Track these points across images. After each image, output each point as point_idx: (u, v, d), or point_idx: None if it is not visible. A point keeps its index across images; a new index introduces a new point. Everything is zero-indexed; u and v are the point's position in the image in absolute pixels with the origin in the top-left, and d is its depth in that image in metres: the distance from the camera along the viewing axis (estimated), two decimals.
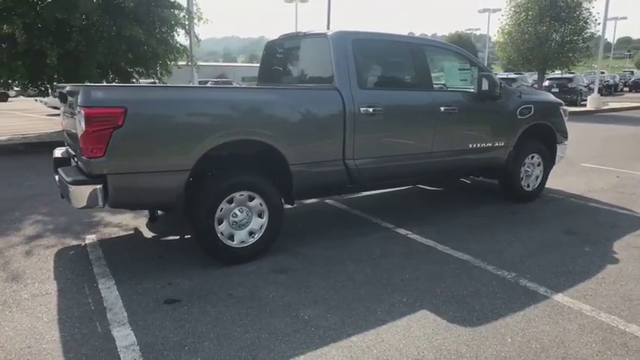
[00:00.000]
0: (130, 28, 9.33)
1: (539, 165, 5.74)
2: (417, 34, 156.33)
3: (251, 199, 3.73)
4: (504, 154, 5.31)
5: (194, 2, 12.60)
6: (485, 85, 4.85)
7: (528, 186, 5.72)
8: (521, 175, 5.60)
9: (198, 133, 3.40)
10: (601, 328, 2.83)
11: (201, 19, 12.32)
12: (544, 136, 5.75)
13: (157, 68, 11.50)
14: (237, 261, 3.72)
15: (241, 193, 3.67)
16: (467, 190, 6.57)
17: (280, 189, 3.95)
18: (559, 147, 5.90)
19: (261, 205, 3.77)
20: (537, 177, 5.77)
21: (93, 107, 3.06)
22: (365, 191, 5.98)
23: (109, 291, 3.29)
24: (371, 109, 4.18)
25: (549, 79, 23.48)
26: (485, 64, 34.27)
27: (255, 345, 2.64)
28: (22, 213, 5.13)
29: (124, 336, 2.71)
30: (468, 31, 62.36)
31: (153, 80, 12.56)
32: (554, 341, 2.69)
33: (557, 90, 22.78)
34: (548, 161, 5.80)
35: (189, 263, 3.74)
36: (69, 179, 3.23)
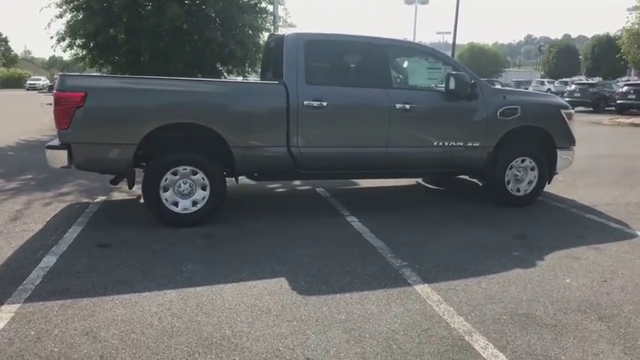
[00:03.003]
0: (211, 31, 10.67)
1: (532, 169, 5.46)
2: (574, 36, 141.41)
3: (194, 173, 4.43)
4: (481, 154, 5.20)
5: (283, 7, 13.65)
6: (452, 84, 4.87)
7: (519, 190, 5.48)
8: (508, 179, 5.40)
9: (144, 115, 4.21)
10: (424, 315, 2.94)
11: (286, 22, 13.31)
12: (540, 140, 5.46)
13: (246, 66, 12.78)
14: (180, 224, 4.43)
15: (184, 167, 4.39)
16: (471, 191, 6.43)
17: (226, 167, 4.59)
18: (561, 152, 5.51)
19: (203, 179, 4.44)
20: (531, 182, 5.49)
21: (61, 91, 4.04)
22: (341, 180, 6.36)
23: (72, 233, 4.26)
24: (315, 103, 4.57)
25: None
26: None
27: (125, 280, 3.33)
28: (74, 177, 6.48)
29: (47, 261, 3.61)
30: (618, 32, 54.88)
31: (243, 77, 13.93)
32: (362, 316, 2.91)
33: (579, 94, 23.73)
34: (545, 166, 5.47)
35: (146, 222, 4.55)
36: (46, 145, 4.29)
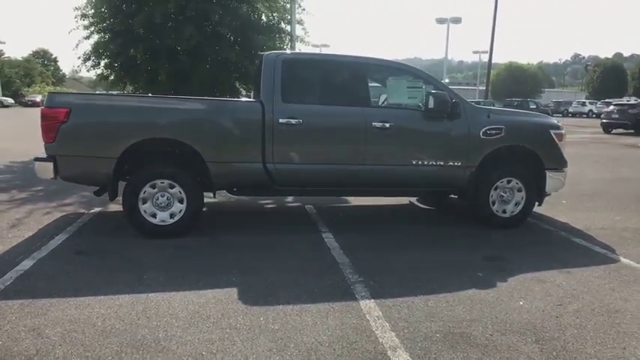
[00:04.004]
0: (226, 51, 11.09)
1: (519, 191, 5.37)
2: (626, 54, 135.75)
3: (172, 186, 4.64)
4: (463, 174, 5.18)
5: (302, 27, 14.00)
6: (431, 103, 4.91)
7: (505, 212, 5.39)
8: (493, 199, 5.33)
9: (122, 131, 4.48)
10: (356, 329, 2.98)
11: (303, 41, 13.62)
12: (528, 161, 5.37)
13: None
14: (157, 236, 4.64)
15: (162, 181, 4.61)
16: (462, 212, 6.35)
17: (205, 181, 4.78)
18: (551, 173, 5.39)
19: (180, 192, 4.65)
20: (518, 203, 5.40)
21: (48, 107, 4.37)
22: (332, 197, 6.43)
23: (57, 241, 4.55)
24: (291, 121, 4.72)
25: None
26: None
27: (87, 284, 3.53)
28: (80, 189, 6.82)
29: (24, 265, 3.88)
30: None
31: None
32: (295, 327, 2.97)
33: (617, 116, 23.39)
34: (532, 187, 5.37)
35: (129, 232, 4.75)
36: (35, 157, 4.61)
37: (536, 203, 5.58)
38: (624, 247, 4.84)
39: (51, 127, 4.36)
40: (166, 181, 4.62)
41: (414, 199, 6.89)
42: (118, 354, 2.63)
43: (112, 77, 11.92)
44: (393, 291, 3.58)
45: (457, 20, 31.87)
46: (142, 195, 4.58)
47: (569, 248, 4.81)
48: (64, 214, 5.61)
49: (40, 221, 5.22)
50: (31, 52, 65.98)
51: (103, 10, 11.19)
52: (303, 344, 2.78)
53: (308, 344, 2.78)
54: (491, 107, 5.81)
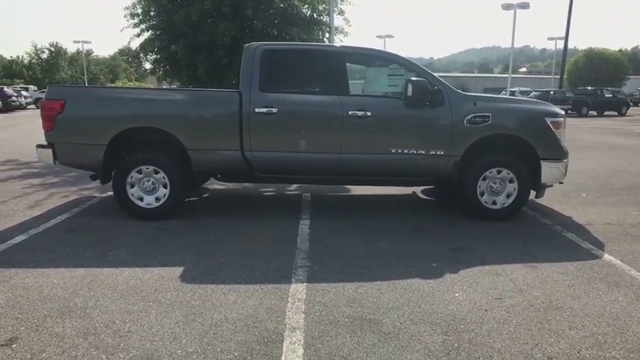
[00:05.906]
0: None
1: (511, 181, 5.11)
2: None
3: (156, 172, 4.97)
4: (446, 163, 5.02)
5: (343, 17, 13.99)
6: (409, 91, 4.81)
7: (495, 203, 5.16)
8: (481, 190, 5.11)
9: (110, 120, 4.86)
10: (270, 309, 3.07)
11: (342, 32, 13.62)
12: (521, 150, 5.09)
13: None
14: (144, 218, 4.99)
15: (147, 167, 4.95)
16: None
17: (186, 168, 5.07)
18: (548, 163, 5.06)
19: (164, 178, 4.96)
20: (510, 195, 5.14)
21: (47, 99, 4.85)
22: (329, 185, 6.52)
23: (57, 220, 5.05)
24: (266, 110, 4.85)
25: None
26: None
27: (56, 258, 3.92)
28: None
29: (16, 239, 4.38)
30: None
31: None
32: (214, 305, 3.13)
33: None
34: (526, 178, 5.08)
35: (123, 215, 5.15)
36: (37, 144, 5.13)
37: (534, 194, 5.29)
38: (618, 244, 4.46)
39: (49, 117, 4.85)
40: (151, 167, 4.95)
41: (418, 190, 6.76)
42: (44, 317, 2.94)
43: (160, 72, 12.70)
44: (331, 277, 3.62)
45: (524, 5, 29.62)
46: (129, 180, 4.95)
47: (552, 242, 4.52)
48: (81, 197, 6.17)
49: (54, 203, 5.80)
50: (117, 50, 71.44)
51: (150, 9, 11.94)
52: (211, 319, 2.93)
53: (215, 320, 2.93)
54: (479, 94, 5.50)
